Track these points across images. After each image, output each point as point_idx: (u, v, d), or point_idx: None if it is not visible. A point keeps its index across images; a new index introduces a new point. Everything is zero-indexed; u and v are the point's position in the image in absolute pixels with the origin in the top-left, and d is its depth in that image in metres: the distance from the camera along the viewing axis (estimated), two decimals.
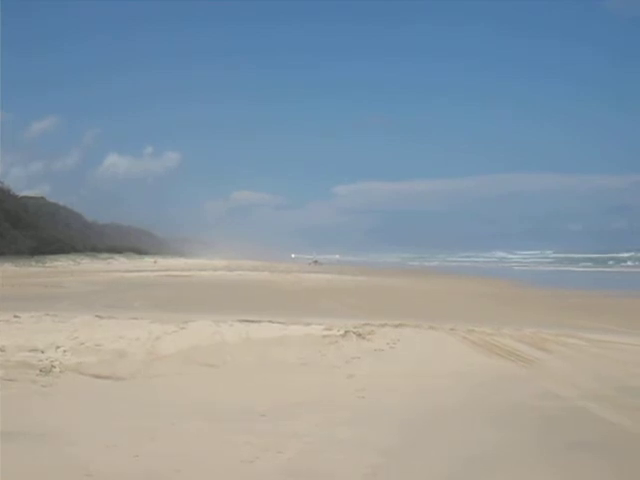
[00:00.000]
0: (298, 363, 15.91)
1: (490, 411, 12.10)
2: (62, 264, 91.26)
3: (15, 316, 21.99)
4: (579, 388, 13.82)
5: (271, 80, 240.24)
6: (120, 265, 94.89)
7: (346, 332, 19.67)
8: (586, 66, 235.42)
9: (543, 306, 35.74)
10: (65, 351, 16.38)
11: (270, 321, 22.14)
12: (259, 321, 22.09)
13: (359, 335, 19.44)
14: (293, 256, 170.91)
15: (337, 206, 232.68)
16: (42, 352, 16.04)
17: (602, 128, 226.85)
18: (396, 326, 21.48)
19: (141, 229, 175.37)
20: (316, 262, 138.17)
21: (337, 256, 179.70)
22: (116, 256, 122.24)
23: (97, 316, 23.18)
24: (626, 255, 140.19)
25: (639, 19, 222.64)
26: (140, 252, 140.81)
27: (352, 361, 16.19)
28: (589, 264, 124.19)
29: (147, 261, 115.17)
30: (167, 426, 10.77)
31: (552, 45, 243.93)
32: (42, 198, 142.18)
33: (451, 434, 10.76)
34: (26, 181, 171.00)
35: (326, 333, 19.68)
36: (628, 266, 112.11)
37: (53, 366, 14.89)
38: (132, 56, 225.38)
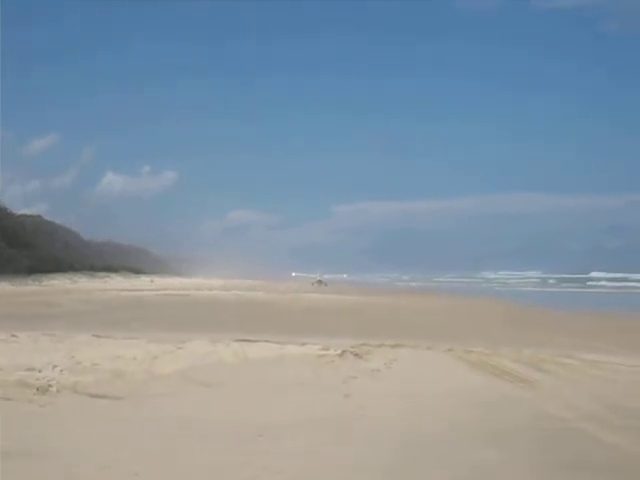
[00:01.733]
0: (295, 383, 15.90)
1: (488, 431, 12.10)
2: (59, 283, 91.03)
3: (12, 335, 22.02)
4: (576, 409, 13.84)
5: (268, 97, 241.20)
6: (117, 284, 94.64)
7: (343, 352, 19.71)
8: (582, 83, 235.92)
9: (538, 326, 35.74)
10: (62, 370, 16.38)
11: (267, 341, 22.19)
12: (256, 341, 22.14)
13: (356, 355, 19.48)
14: (294, 274, 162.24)
15: (334, 226, 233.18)
16: (39, 371, 16.04)
17: (597, 148, 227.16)
18: (393, 346, 21.53)
19: (138, 248, 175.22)
20: (320, 282, 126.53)
21: (344, 275, 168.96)
22: (113, 275, 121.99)
23: (94, 335, 23.20)
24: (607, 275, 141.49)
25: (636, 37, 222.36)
26: (137, 271, 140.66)
27: (349, 381, 16.20)
28: (578, 284, 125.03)
29: (144, 280, 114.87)
30: (165, 445, 10.77)
31: (551, 63, 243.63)
32: (39, 217, 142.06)
33: (450, 454, 10.77)
34: (23, 199, 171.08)
35: (323, 353, 19.73)
36: (605, 286, 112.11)
37: (50, 385, 14.87)
38: (130, 74, 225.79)
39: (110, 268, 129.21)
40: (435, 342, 23.10)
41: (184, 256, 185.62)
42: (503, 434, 11.97)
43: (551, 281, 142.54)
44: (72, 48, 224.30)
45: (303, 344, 21.33)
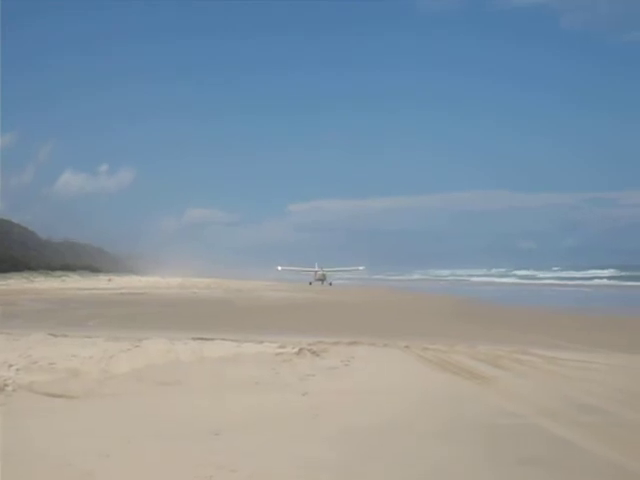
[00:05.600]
0: (252, 381, 15.88)
1: (444, 428, 12.18)
2: (15, 282, 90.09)
3: None
4: (533, 405, 13.95)
5: (224, 97, 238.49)
6: (74, 283, 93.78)
7: (300, 350, 19.74)
8: (549, 78, 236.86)
9: (496, 322, 35.91)
10: (18, 370, 16.27)
11: (224, 339, 22.14)
12: (213, 339, 22.08)
13: (313, 353, 19.51)
14: (280, 268, 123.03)
15: (293, 223, 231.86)
16: None
17: (567, 144, 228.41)
18: (350, 344, 21.57)
19: (95, 247, 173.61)
20: (323, 278, 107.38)
21: (361, 268, 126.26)
22: (70, 274, 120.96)
23: (50, 334, 23.04)
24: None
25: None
26: (94, 270, 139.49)
27: (306, 379, 16.20)
28: (525, 280, 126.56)
29: (101, 279, 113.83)
30: (121, 444, 10.73)
31: (518, 56, 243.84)
32: None
33: (405, 451, 10.82)
34: None
35: (280, 351, 19.73)
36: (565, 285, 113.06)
37: (6, 384, 14.78)
38: (88, 75, 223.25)
39: (67, 267, 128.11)
40: (392, 339, 23.15)
41: (142, 254, 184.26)
42: (460, 431, 12.05)
43: (513, 278, 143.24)
44: (29, 49, 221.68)
45: (260, 342, 21.32)
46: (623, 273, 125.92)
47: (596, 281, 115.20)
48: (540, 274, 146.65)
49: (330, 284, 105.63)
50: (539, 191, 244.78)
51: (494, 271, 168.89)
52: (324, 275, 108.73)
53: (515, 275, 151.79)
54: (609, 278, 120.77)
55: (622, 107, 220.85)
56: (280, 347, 20.28)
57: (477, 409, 13.60)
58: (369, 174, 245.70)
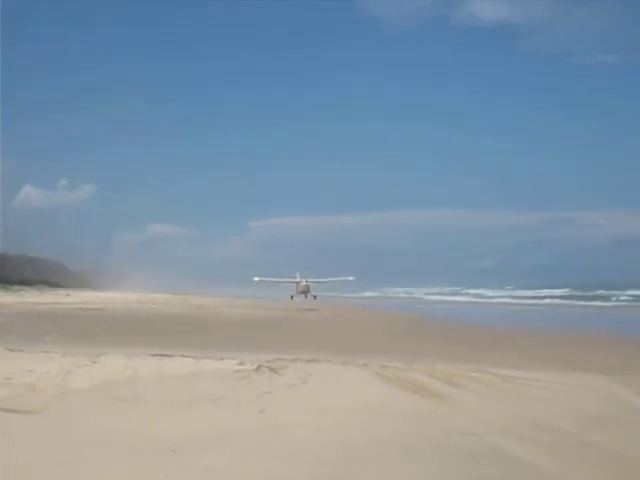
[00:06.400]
0: (210, 398, 15.85)
1: (403, 446, 12.22)
2: None
3: None
4: (490, 424, 14.00)
5: (183, 115, 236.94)
6: (32, 298, 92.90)
7: (259, 367, 19.75)
8: (503, 103, 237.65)
9: (452, 340, 36.08)
10: None
11: (183, 355, 22.10)
12: (172, 355, 22.04)
13: (272, 370, 19.52)
14: (256, 279, 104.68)
15: (254, 240, 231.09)
16: None
17: (517, 165, 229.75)
18: (308, 361, 21.60)
19: (54, 261, 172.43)
20: (306, 291, 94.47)
21: (350, 278, 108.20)
22: (28, 289, 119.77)
23: (7, 349, 22.90)
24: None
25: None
26: (53, 285, 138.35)
27: (264, 396, 16.20)
28: (477, 299, 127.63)
29: (60, 294, 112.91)
30: (78, 460, 10.70)
31: (469, 85, 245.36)
32: None
33: (365, 471, 10.85)
34: None
35: (239, 368, 19.74)
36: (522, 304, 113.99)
37: None
38: (48, 93, 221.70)
39: (25, 282, 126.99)
40: (350, 356, 23.21)
41: (101, 270, 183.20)
42: (418, 449, 12.09)
43: (465, 297, 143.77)
44: None
45: (219, 359, 21.31)
46: (577, 292, 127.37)
47: (547, 300, 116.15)
48: (492, 293, 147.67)
49: (314, 297, 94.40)
50: (500, 209, 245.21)
51: (447, 289, 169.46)
52: (308, 287, 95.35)
53: (467, 294, 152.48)
54: (561, 298, 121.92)
55: (582, 127, 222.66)
56: (239, 364, 20.29)
57: (435, 428, 13.62)
58: (328, 191, 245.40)
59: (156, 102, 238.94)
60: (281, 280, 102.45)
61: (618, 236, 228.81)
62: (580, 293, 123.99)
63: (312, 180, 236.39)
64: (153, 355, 21.93)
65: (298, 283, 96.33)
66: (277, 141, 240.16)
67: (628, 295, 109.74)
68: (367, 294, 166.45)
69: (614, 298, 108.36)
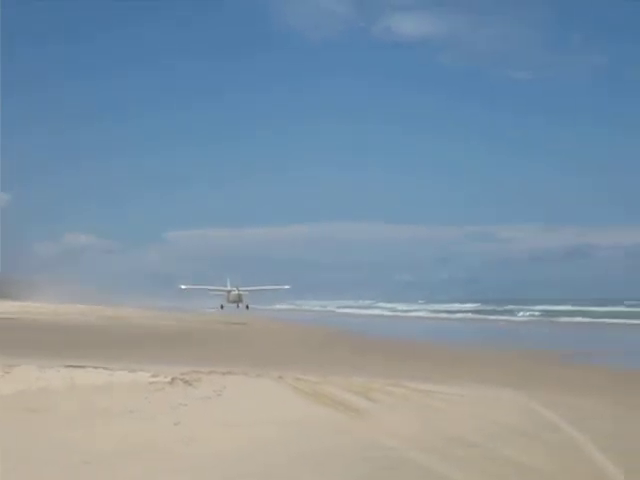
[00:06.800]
0: (124, 410, 15.72)
1: (318, 461, 12.29)
2: None
3: None
4: (405, 438, 14.13)
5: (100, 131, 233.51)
6: None
7: (173, 379, 19.63)
8: (422, 113, 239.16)
9: (367, 353, 36.36)
10: None
11: (96, 367, 21.87)
12: (85, 367, 21.79)
13: (186, 382, 19.42)
14: (183, 287, 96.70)
15: (170, 251, 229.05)
16: None
17: (436, 178, 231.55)
18: (224, 373, 21.53)
19: None
20: (237, 301, 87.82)
21: (286, 287, 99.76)
22: None
23: None
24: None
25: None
26: None
27: (179, 408, 16.12)
28: (388, 313, 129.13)
29: None
30: None
31: (393, 93, 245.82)
32: None
33: None
34: None
35: (153, 380, 19.59)
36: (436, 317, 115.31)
37: None
38: None
39: None
40: (265, 369, 23.24)
41: (16, 279, 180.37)
42: (334, 464, 12.17)
43: (377, 310, 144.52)
44: None
45: (133, 371, 21.13)
46: (487, 307, 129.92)
47: (460, 315, 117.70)
48: (405, 307, 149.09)
49: (247, 307, 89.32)
50: (419, 224, 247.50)
51: (361, 303, 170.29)
52: (239, 296, 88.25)
53: (380, 307, 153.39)
54: (473, 312, 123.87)
55: (500, 142, 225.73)
56: (153, 376, 20.14)
57: (350, 442, 13.72)
58: (249, 204, 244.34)
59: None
60: (211, 288, 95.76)
61: (532, 251, 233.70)
62: (491, 307, 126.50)
63: (232, 193, 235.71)
64: (66, 366, 21.65)
65: (229, 292, 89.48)
66: (196, 156, 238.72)
67: (535, 310, 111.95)
68: (278, 307, 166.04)
69: (521, 313, 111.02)
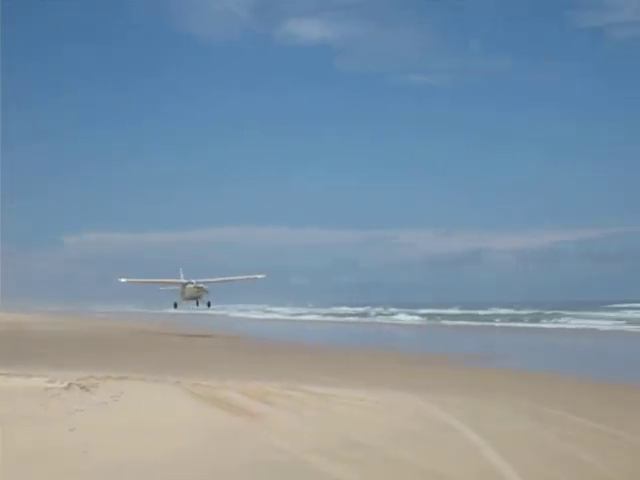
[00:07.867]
0: (18, 416, 15.50)
1: (212, 465, 12.38)
2: None
3: None
4: (301, 442, 14.27)
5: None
6: None
7: (69, 385, 19.45)
8: (327, 120, 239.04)
9: (266, 357, 36.50)
10: None
11: None
12: None
13: (82, 387, 19.25)
14: (123, 281, 70.31)
15: (66, 256, 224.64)
16: None
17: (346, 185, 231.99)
18: (120, 379, 21.37)
19: None
20: (197, 297, 69.66)
21: (260, 276, 74.57)
22: None
23: None
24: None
25: None
26: None
27: (75, 414, 15.97)
28: (279, 316, 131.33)
29: None
30: None
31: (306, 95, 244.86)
32: None
33: None
34: None
35: (49, 385, 19.38)
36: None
37: None
38: None
39: None
40: (163, 375, 23.16)
41: None
42: (228, 468, 12.28)
43: (272, 315, 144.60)
44: None
45: (28, 376, 20.88)
46: (375, 309, 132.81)
47: (348, 318, 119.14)
48: (294, 310, 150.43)
49: (209, 305, 72.43)
50: (321, 228, 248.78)
51: (254, 306, 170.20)
52: (199, 290, 69.39)
53: (272, 311, 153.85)
54: (361, 315, 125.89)
55: (397, 148, 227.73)
56: (49, 382, 19.92)
57: (246, 446, 13.83)
58: (152, 208, 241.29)
59: None
60: (159, 281, 74.11)
61: (429, 255, 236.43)
62: (377, 310, 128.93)
63: (135, 199, 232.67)
64: None
65: (184, 285, 69.72)
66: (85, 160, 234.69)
67: (420, 314, 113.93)
68: (183, 310, 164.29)
69: (402, 315, 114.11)
